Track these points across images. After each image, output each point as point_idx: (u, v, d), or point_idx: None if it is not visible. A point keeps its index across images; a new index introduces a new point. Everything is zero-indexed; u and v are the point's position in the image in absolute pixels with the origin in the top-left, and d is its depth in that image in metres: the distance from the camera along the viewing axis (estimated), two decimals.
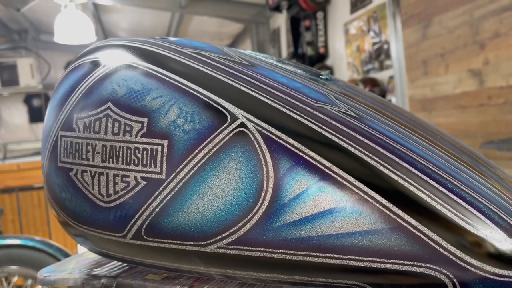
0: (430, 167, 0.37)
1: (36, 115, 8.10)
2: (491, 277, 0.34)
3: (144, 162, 0.39)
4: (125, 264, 0.50)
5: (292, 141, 0.37)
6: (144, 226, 0.40)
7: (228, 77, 0.40)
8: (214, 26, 6.24)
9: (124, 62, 0.42)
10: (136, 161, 0.40)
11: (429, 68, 2.71)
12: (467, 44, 2.42)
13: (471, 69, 2.41)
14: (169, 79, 0.40)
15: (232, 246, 0.38)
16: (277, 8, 4.30)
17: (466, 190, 0.36)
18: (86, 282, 0.47)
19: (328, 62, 4.02)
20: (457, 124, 2.51)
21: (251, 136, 0.37)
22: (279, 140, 0.37)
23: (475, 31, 2.37)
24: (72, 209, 0.44)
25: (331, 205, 0.36)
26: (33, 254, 1.90)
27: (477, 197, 0.36)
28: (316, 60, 3.98)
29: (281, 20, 5.03)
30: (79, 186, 0.43)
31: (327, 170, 0.36)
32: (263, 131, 0.37)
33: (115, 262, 0.51)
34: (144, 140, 0.40)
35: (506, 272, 0.34)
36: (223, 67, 0.42)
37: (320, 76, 0.51)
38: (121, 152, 0.40)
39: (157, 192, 0.39)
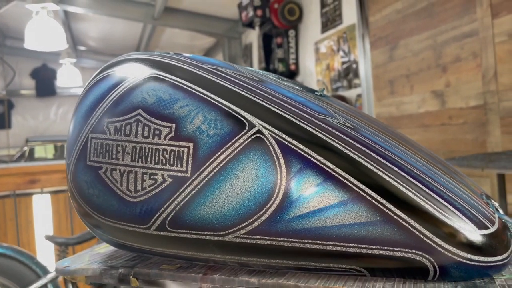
0: (415, 170, 0.44)
1: None
2: (464, 261, 0.41)
3: (171, 162, 0.45)
4: (138, 257, 0.55)
5: (302, 147, 0.43)
6: (169, 219, 0.46)
7: (244, 90, 0.47)
8: (186, 39, 6.30)
9: (152, 74, 0.48)
10: (164, 161, 0.45)
11: (395, 88, 2.86)
12: (431, 67, 2.58)
13: (434, 90, 2.57)
14: (194, 91, 0.46)
15: (248, 236, 0.44)
16: (250, 25, 4.41)
17: (444, 190, 0.44)
18: (105, 272, 0.52)
19: (298, 79, 4.14)
20: (421, 142, 2.65)
21: (266, 141, 0.44)
22: (291, 145, 0.43)
23: (438, 55, 2.53)
24: (98, 204, 0.49)
25: (334, 201, 0.42)
26: (3, 262, 1.88)
27: (453, 196, 0.43)
28: (287, 76, 4.09)
29: (253, 36, 5.15)
30: (108, 183, 0.48)
31: (331, 171, 0.43)
32: (277, 137, 0.44)
33: (128, 255, 0.56)
34: (172, 142, 0.45)
35: (476, 257, 0.41)
36: (239, 82, 0.48)
37: (316, 93, 0.59)
38: (150, 153, 0.46)
39: (182, 188, 0.45)
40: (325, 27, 3.66)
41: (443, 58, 2.50)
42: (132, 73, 0.49)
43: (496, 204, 0.54)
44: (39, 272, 1.89)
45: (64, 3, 5.02)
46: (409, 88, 2.76)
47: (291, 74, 4.14)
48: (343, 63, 3.44)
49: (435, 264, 0.41)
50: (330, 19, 3.57)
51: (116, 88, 0.49)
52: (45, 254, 3.11)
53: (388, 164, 0.44)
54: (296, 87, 0.57)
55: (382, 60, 2.96)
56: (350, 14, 3.29)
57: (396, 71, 2.84)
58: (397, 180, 0.42)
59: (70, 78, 6.63)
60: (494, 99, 2.23)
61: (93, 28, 6.59)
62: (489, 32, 2.21)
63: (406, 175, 0.43)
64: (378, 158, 0.44)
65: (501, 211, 0.53)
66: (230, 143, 0.44)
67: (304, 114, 0.46)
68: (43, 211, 3.17)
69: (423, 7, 2.61)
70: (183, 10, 5.24)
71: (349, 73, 3.39)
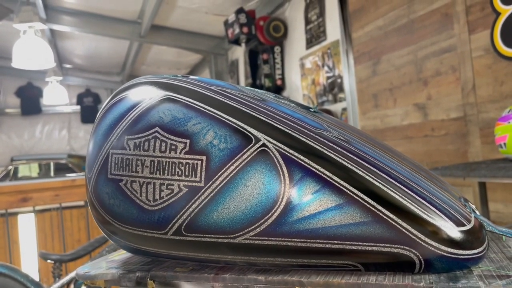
0: (401, 177, 0.51)
1: None
2: (446, 254, 0.47)
3: (187, 173, 0.51)
4: (152, 262, 0.60)
5: (302, 157, 0.49)
6: (184, 224, 0.51)
7: (249, 109, 0.53)
8: (172, 56, 6.37)
9: (166, 96, 0.54)
10: (179, 172, 0.51)
11: (379, 102, 2.96)
12: (412, 81, 2.69)
13: (416, 103, 2.67)
14: (205, 110, 0.52)
15: (256, 237, 0.49)
16: (236, 41, 4.49)
17: (426, 193, 0.50)
18: (123, 276, 0.56)
19: (285, 94, 4.23)
20: (405, 153, 2.73)
21: (271, 153, 0.50)
22: (292, 157, 0.50)
23: (419, 69, 2.63)
24: (119, 213, 0.54)
25: (331, 204, 0.48)
26: None
27: (434, 198, 0.50)
28: (273, 91, 4.17)
29: (239, 52, 5.24)
30: (128, 194, 0.53)
31: (328, 179, 0.49)
32: (280, 149, 0.50)
33: (143, 261, 0.61)
34: (187, 156, 0.51)
35: (455, 251, 0.47)
36: (244, 101, 0.54)
37: (310, 109, 0.65)
38: (167, 166, 0.51)
39: (197, 197, 0.50)
40: (309, 43, 3.76)
41: (423, 72, 2.60)
42: (148, 95, 0.55)
43: (473, 206, 0.61)
44: None
45: (51, 22, 5.06)
46: (392, 102, 2.86)
47: (278, 89, 4.22)
48: (328, 78, 3.54)
49: (420, 258, 0.47)
50: (315, 35, 3.67)
51: (134, 109, 0.55)
52: (31, 273, 3.10)
53: (378, 171, 0.50)
54: (292, 105, 0.63)
55: (366, 74, 3.06)
56: (333, 30, 3.39)
57: (380, 85, 2.94)
58: (385, 185, 0.49)
59: (56, 96, 6.63)
60: (473, 111, 2.33)
61: (79, 46, 6.62)
62: (466, 47, 2.32)
63: (393, 181, 0.49)
64: (369, 166, 0.50)
65: (477, 212, 0.60)
66: (238, 156, 0.50)
67: (303, 129, 0.52)
68: (28, 231, 3.17)
69: (403, 24, 2.72)
70: (170, 28, 5.31)
71: (334, 87, 3.48)
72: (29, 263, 3.21)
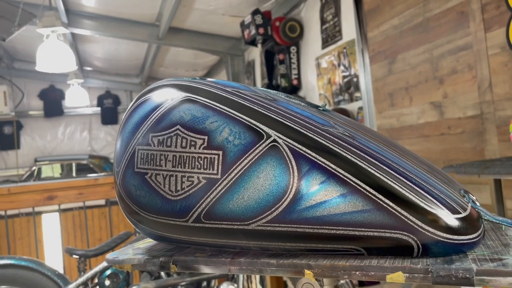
0: (401, 169, 0.55)
1: (6, 143, 8.01)
2: (441, 239, 0.52)
3: (205, 166, 0.56)
4: (174, 248, 0.66)
5: (309, 152, 0.54)
6: (203, 212, 0.56)
7: (261, 108, 0.58)
8: (189, 57, 6.46)
9: (186, 97, 0.60)
10: (199, 166, 0.56)
11: (395, 100, 2.97)
12: (428, 79, 2.70)
13: (432, 102, 2.68)
14: (221, 109, 0.58)
15: (268, 224, 0.55)
16: (252, 42, 4.54)
17: (425, 184, 0.54)
18: (148, 260, 0.62)
19: (301, 94, 4.26)
20: (421, 152, 2.75)
21: (281, 148, 0.55)
22: (300, 151, 0.55)
23: (434, 67, 2.65)
24: (145, 203, 0.60)
25: (336, 194, 0.53)
26: (27, 274, 1.98)
27: (432, 189, 0.54)
28: (289, 91, 4.20)
29: (255, 53, 5.29)
30: (153, 185, 0.59)
31: (333, 171, 0.53)
32: (289, 145, 0.55)
33: (166, 248, 0.66)
34: (205, 151, 0.57)
35: (450, 236, 0.52)
36: (257, 101, 0.59)
37: (319, 108, 0.70)
38: (187, 160, 0.57)
39: (214, 187, 0.56)
40: (325, 43, 3.79)
41: (439, 70, 2.61)
42: (169, 96, 0.61)
43: (474, 198, 0.65)
44: (60, 283, 1.99)
45: (72, 26, 5.20)
46: (408, 100, 2.87)
47: (294, 89, 4.26)
48: (344, 77, 3.57)
49: (418, 242, 0.52)
50: (330, 35, 3.70)
51: (158, 109, 0.60)
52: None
53: (379, 164, 0.54)
54: (302, 104, 0.68)
55: (382, 73, 3.08)
56: (349, 30, 3.42)
57: (395, 84, 2.96)
58: (386, 176, 0.53)
59: (77, 98, 6.80)
60: (490, 109, 2.33)
61: (99, 49, 6.77)
62: (482, 45, 2.32)
63: (393, 172, 0.54)
64: (371, 159, 0.55)
65: (478, 204, 0.64)
66: (251, 150, 0.55)
67: (311, 126, 0.57)
68: (52, 229, 3.28)
69: (418, 23, 2.73)
70: (187, 30, 5.40)
71: (350, 86, 3.51)
72: (53, 261, 3.33)
